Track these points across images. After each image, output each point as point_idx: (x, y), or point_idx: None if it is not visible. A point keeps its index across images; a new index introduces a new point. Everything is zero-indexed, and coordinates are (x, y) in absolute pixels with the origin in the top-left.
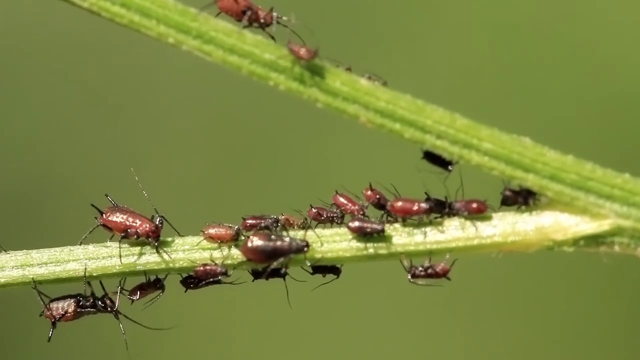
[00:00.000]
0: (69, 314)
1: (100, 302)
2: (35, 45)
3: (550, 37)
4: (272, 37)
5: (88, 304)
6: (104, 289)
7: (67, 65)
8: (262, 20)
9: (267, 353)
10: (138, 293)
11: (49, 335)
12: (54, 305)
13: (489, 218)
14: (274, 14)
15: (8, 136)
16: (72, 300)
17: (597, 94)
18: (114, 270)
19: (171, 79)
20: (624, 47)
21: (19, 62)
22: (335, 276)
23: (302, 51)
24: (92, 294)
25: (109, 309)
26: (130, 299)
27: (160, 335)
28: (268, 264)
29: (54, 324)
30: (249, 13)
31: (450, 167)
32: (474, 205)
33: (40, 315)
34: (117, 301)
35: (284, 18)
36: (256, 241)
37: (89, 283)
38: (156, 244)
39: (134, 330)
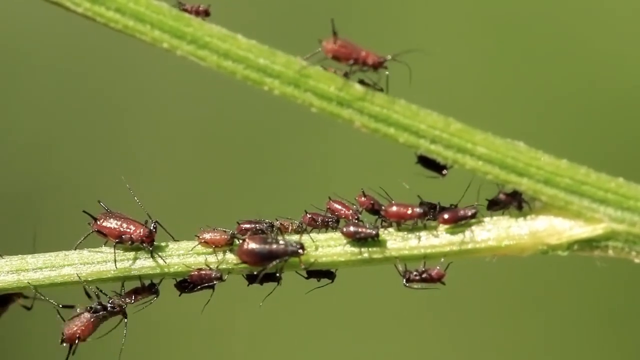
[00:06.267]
0: (87, 329)
1: (109, 306)
2: (32, 47)
3: (545, 41)
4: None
5: (100, 310)
6: (105, 293)
7: (63, 68)
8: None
9: (263, 355)
10: (133, 297)
11: (69, 354)
12: (69, 325)
13: (483, 222)
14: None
15: (2, 141)
16: (85, 313)
17: (591, 98)
18: (109, 275)
19: (165, 84)
20: (620, 53)
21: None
22: (330, 280)
23: (193, 9)
24: (99, 302)
25: (118, 309)
26: (125, 302)
27: (158, 336)
28: (263, 267)
29: (75, 343)
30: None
31: (444, 172)
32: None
33: (61, 343)
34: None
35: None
36: (252, 244)
37: (88, 294)
38: (150, 249)
39: (133, 332)
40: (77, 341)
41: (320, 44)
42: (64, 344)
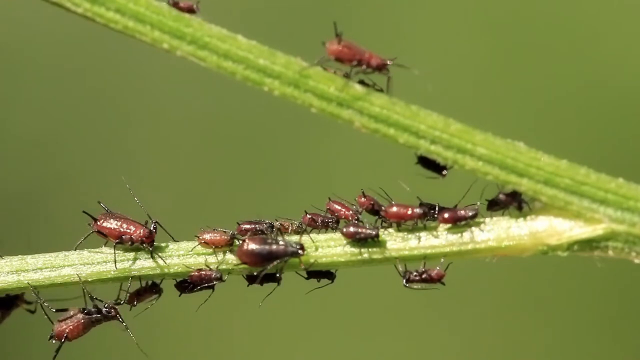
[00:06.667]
0: (76, 330)
1: (105, 310)
2: (32, 48)
3: (544, 42)
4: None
5: (93, 313)
6: (100, 300)
7: (62, 68)
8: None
9: (263, 355)
10: (135, 298)
11: (56, 350)
12: (60, 323)
13: (484, 223)
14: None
15: (2, 141)
16: (78, 314)
17: (591, 98)
18: (109, 276)
19: (167, 84)
20: (620, 53)
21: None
22: (330, 281)
23: (183, 4)
24: (95, 306)
25: (114, 314)
26: (127, 304)
27: (158, 336)
28: (263, 268)
29: (63, 342)
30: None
31: (444, 172)
32: (445, 215)
33: (50, 339)
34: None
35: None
36: (251, 244)
37: (91, 297)
38: (151, 249)
39: (133, 331)
40: (64, 340)
41: (323, 45)
42: (53, 341)
